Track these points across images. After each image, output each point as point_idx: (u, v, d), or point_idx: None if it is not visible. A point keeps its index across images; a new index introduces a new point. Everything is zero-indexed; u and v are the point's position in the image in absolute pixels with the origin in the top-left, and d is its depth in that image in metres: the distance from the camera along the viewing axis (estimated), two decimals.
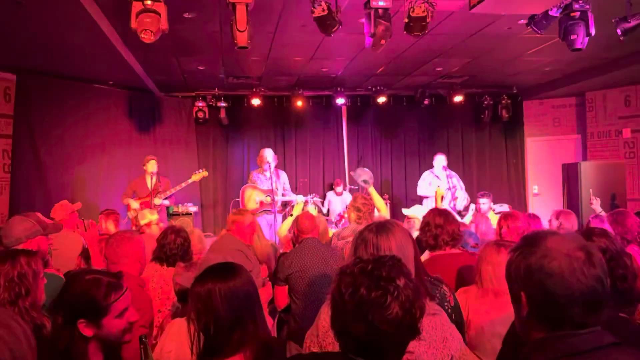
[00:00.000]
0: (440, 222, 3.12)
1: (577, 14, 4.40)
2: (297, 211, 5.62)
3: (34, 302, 2.08)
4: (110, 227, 5.21)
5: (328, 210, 8.78)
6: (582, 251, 1.23)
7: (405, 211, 6.62)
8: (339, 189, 8.89)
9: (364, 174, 5.27)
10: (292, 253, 3.77)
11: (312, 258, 3.64)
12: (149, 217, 5.09)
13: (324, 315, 1.97)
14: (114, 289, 1.80)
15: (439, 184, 7.73)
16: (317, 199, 7.92)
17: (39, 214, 2.96)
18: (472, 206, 7.03)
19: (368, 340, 1.30)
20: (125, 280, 1.90)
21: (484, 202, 6.59)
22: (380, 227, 1.99)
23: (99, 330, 1.75)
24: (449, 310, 2.28)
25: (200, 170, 7.52)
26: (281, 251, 4.63)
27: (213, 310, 1.71)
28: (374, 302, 1.28)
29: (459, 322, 2.27)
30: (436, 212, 3.25)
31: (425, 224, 3.17)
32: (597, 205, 5.73)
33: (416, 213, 5.82)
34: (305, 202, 7.37)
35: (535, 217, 4.78)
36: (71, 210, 4.98)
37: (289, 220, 5.37)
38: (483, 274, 2.56)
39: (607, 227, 4.43)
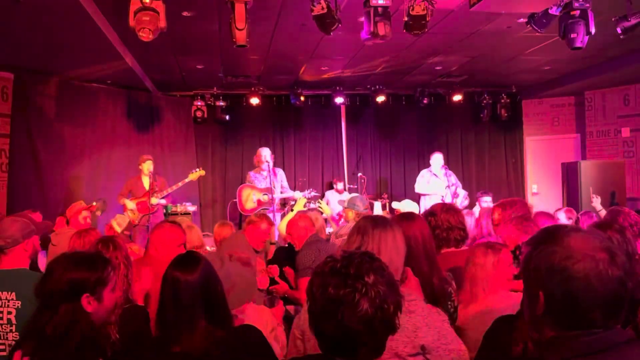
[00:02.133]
0: (460, 220, 2.99)
1: (577, 12, 4.39)
2: (298, 207, 5.63)
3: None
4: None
5: None
6: (606, 252, 1.19)
7: (395, 205, 6.63)
8: (340, 185, 8.88)
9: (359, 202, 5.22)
10: (314, 246, 3.84)
11: (321, 253, 3.68)
12: (116, 228, 5.05)
13: None
14: (107, 262, 1.91)
15: (437, 182, 7.74)
16: (315, 194, 7.92)
17: (29, 213, 2.94)
18: (477, 207, 7.01)
19: (341, 339, 1.30)
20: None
21: (487, 200, 6.59)
22: (379, 221, 2.05)
23: (99, 305, 1.81)
24: (451, 310, 2.29)
25: (197, 169, 7.49)
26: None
27: (164, 296, 1.82)
28: (342, 300, 1.28)
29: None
30: (450, 208, 3.07)
31: (447, 222, 2.95)
32: (597, 202, 5.73)
33: (406, 207, 5.86)
34: (309, 199, 7.36)
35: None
36: (78, 209, 5.00)
37: (290, 216, 5.37)
38: (467, 276, 2.50)
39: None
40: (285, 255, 4.31)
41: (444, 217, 2.90)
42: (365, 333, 1.28)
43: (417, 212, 5.86)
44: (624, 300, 1.20)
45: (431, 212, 2.98)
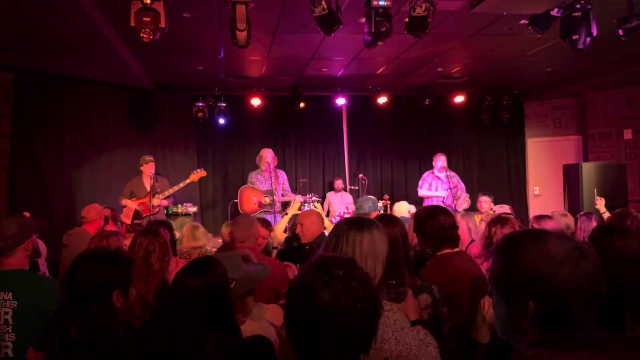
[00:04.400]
0: (455, 220, 3.02)
1: (579, 13, 4.38)
2: (293, 210, 5.61)
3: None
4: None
5: (328, 211, 8.75)
6: (578, 250, 1.23)
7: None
8: (339, 183, 8.88)
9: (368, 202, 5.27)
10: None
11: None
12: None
13: None
14: (131, 260, 2.00)
15: (439, 185, 7.72)
16: (316, 199, 7.91)
17: (26, 214, 2.96)
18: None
19: (302, 335, 1.25)
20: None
21: (485, 200, 6.57)
22: (356, 222, 2.00)
23: (126, 301, 1.87)
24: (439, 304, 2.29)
25: (199, 170, 7.49)
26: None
27: (170, 298, 1.98)
28: (305, 288, 1.25)
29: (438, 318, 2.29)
30: (444, 209, 3.09)
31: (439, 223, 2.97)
32: (601, 205, 5.71)
33: (398, 209, 5.91)
34: (303, 202, 7.34)
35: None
36: (102, 212, 5.15)
37: (285, 220, 5.36)
38: None
39: (594, 225, 4.40)
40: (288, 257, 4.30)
41: (443, 218, 2.90)
42: (326, 326, 1.21)
43: (408, 213, 5.87)
44: (600, 293, 1.23)
45: (429, 216, 2.95)
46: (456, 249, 2.96)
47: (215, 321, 1.80)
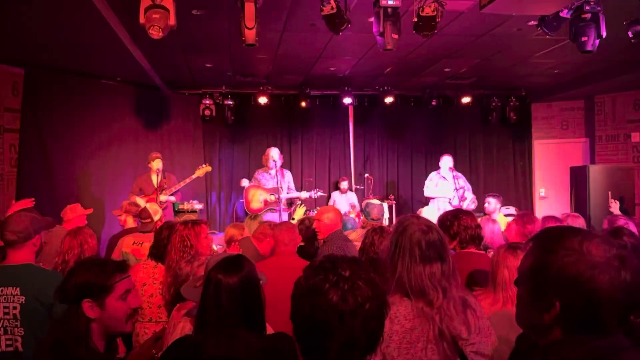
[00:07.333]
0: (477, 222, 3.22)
1: (589, 15, 4.37)
2: (298, 215, 5.59)
3: (197, 251, 3.05)
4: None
5: None
6: (619, 258, 1.17)
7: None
8: (344, 184, 8.87)
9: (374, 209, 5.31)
10: (337, 243, 3.88)
11: (343, 251, 3.77)
12: (160, 212, 5.11)
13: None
14: (119, 270, 1.90)
15: (445, 185, 7.71)
16: (321, 194, 7.91)
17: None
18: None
19: (307, 335, 1.26)
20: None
21: (489, 202, 6.48)
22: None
23: (103, 312, 1.80)
24: None
25: (204, 165, 7.53)
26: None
27: (206, 296, 1.89)
28: (312, 289, 1.25)
29: None
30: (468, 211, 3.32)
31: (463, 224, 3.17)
32: (615, 208, 5.69)
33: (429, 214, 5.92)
34: (308, 209, 7.34)
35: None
36: (82, 212, 5.09)
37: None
38: (499, 279, 2.48)
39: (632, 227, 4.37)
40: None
41: (468, 219, 3.14)
42: (334, 326, 1.22)
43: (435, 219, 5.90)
44: (636, 304, 1.20)
45: (455, 216, 3.17)
46: (481, 251, 3.14)
47: (247, 317, 1.82)
